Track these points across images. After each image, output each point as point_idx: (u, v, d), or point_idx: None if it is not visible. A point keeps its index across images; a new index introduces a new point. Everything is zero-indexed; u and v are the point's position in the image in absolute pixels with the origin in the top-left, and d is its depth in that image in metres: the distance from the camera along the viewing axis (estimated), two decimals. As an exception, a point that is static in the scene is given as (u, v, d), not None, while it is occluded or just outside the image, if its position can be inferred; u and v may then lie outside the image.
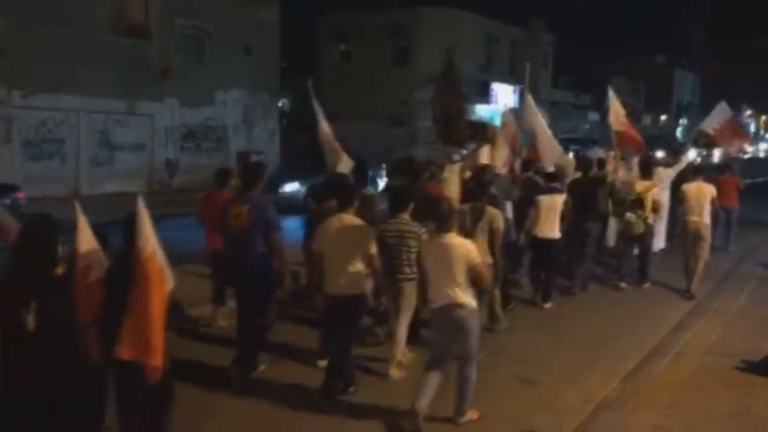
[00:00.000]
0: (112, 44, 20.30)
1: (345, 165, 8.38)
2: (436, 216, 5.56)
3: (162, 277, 4.06)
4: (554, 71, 42.55)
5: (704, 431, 5.44)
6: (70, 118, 19.33)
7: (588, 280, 10.06)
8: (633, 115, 52.30)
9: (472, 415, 5.57)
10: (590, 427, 5.55)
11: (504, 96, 36.83)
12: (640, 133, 11.74)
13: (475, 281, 5.41)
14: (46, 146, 18.68)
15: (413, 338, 6.82)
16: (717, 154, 30.48)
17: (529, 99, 10.08)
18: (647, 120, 54.12)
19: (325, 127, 9.02)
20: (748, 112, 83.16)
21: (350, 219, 5.86)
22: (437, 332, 5.69)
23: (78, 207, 4.29)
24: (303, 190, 13.89)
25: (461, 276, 5.32)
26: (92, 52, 19.44)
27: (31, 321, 3.64)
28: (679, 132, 57.50)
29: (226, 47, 24.00)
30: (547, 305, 8.98)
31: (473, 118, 9.87)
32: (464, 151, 9.70)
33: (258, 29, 25.27)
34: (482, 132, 9.18)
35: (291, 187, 16.01)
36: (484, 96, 35.59)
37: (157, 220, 4.36)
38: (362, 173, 8.55)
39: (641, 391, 6.23)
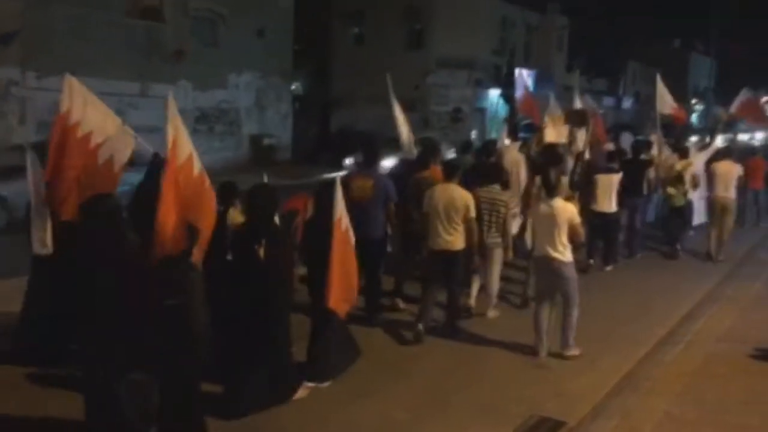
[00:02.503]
0: (126, 26, 20.29)
1: (410, 147, 9.52)
2: (546, 184, 6.79)
3: (350, 238, 5.73)
4: (569, 55, 42.15)
5: (716, 418, 5.41)
6: (84, 100, 19.39)
7: (639, 248, 11.29)
8: (648, 101, 51.77)
9: (575, 350, 6.63)
10: (602, 412, 5.54)
11: (518, 80, 36.51)
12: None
13: (572, 237, 6.54)
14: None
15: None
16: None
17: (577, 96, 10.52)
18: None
19: (399, 114, 9.91)
20: (766, 98, 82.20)
21: (455, 187, 6.99)
22: (540, 278, 6.87)
23: (339, 183, 5.82)
24: None
25: (563, 234, 6.47)
26: (106, 34, 19.44)
27: (262, 253, 5.08)
28: (694, 117, 56.87)
29: (240, 30, 23.92)
30: (609, 268, 10.22)
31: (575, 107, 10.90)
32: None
33: (271, 12, 25.17)
34: (583, 118, 11.04)
35: None
36: (498, 80, 35.33)
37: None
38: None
39: (653, 377, 6.22)
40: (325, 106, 35.16)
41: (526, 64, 37.41)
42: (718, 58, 52.65)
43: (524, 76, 11.99)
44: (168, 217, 4.36)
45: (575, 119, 11.02)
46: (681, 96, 55.82)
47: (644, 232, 11.92)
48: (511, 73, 10.78)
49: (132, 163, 6.11)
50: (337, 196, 5.73)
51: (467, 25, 32.61)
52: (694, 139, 16.73)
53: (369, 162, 7.76)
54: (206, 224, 4.79)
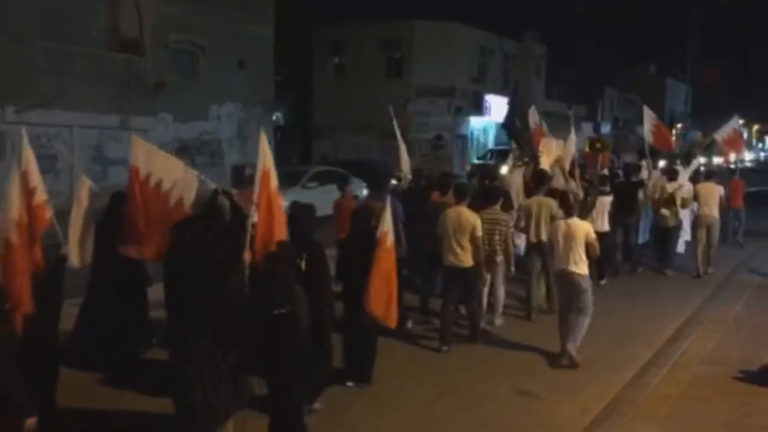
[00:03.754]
0: (105, 59, 20.26)
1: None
2: (564, 205, 7.68)
3: (393, 255, 6.14)
4: (547, 82, 42.71)
5: (703, 442, 5.42)
6: (63, 133, 19.25)
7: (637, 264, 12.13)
8: (626, 126, 52.47)
9: (578, 359, 7.21)
10: (589, 439, 5.53)
11: (497, 107, 36.92)
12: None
13: (588, 253, 7.25)
14: (39, 162, 18.36)
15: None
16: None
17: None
18: (641, 130, 54.26)
19: (401, 142, 10.89)
20: (740, 122, 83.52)
21: (463, 209, 7.74)
22: (561, 290, 7.63)
23: (388, 204, 6.26)
24: None
25: (580, 249, 7.19)
26: (86, 67, 19.39)
27: (302, 264, 5.62)
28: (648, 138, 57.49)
29: (220, 61, 23.98)
30: (603, 282, 10.75)
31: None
32: (526, 159, 11.86)
33: (252, 43, 25.27)
34: (605, 146, 13.29)
35: None
36: (478, 108, 35.70)
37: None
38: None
39: (639, 402, 6.22)
40: (306, 135, 35.26)
41: (504, 92, 37.87)
42: (693, 84, 53.59)
43: (534, 111, 12.73)
44: (268, 237, 5.39)
45: (602, 147, 13.06)
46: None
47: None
48: (515, 108, 12.21)
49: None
50: (386, 213, 6.20)
51: (446, 53, 33.01)
52: (661, 163, 17.75)
53: (380, 186, 8.90)
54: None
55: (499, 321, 8.68)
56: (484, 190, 9.20)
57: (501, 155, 28.62)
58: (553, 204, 8.90)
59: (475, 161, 31.19)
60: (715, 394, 6.32)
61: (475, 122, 36.56)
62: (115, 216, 6.74)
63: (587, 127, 43.80)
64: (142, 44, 21.40)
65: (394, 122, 11.14)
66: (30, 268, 5.06)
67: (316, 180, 18.13)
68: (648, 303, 9.95)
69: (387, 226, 6.12)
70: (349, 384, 6.45)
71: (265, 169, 5.56)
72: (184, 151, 23.12)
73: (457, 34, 33.84)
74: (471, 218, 7.62)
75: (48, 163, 18.71)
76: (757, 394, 6.30)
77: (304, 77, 35.21)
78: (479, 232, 7.60)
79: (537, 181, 9.63)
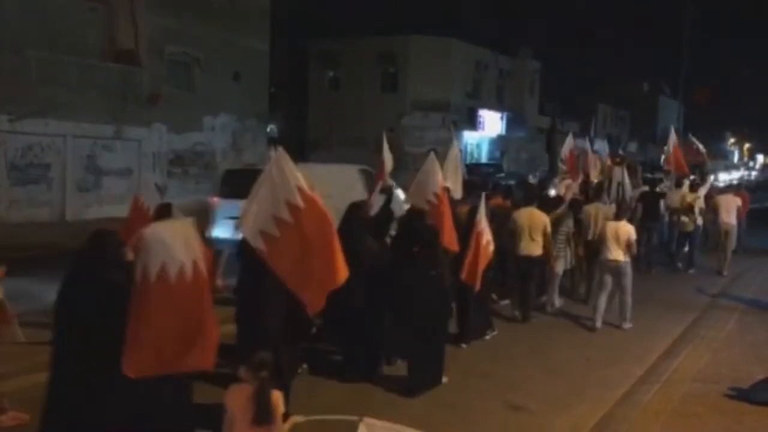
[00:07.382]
0: (101, 69, 20.26)
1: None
2: (618, 210, 10.18)
3: (485, 241, 7.77)
4: (541, 98, 42.96)
5: (695, 459, 5.41)
6: (57, 142, 19.20)
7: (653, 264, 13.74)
8: (618, 142, 52.70)
9: (629, 324, 9.29)
10: (581, 455, 5.51)
11: (491, 122, 37.12)
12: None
13: (628, 247, 9.15)
14: (32, 171, 18.51)
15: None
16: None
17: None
18: (633, 147, 54.57)
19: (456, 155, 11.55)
20: (732, 141, 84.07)
21: (534, 210, 9.51)
22: (607, 275, 9.35)
23: (483, 200, 8.20)
24: None
25: (624, 245, 9.08)
26: (81, 77, 19.39)
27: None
28: (663, 159, 57.78)
29: (215, 73, 24.03)
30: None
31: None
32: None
33: (247, 56, 25.35)
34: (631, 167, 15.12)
35: None
36: (472, 122, 35.86)
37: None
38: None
39: (631, 418, 6.21)
40: (300, 147, 35.31)
41: (498, 107, 38.07)
42: (686, 102, 53.93)
43: (571, 136, 15.37)
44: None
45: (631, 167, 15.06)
46: (650, 137, 56.66)
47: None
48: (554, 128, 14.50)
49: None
50: (481, 208, 7.81)
51: (441, 68, 33.19)
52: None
53: (467, 193, 10.22)
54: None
55: (558, 302, 10.30)
56: (546, 199, 10.92)
57: (484, 170, 28.92)
58: (608, 210, 10.78)
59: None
60: (706, 412, 6.32)
61: (469, 137, 36.72)
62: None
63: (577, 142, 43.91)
64: (137, 55, 21.42)
65: (453, 134, 12.54)
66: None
67: None
68: (638, 319, 9.93)
69: (481, 217, 7.72)
70: (463, 345, 8.01)
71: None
72: (177, 161, 23.14)
73: (452, 50, 34.04)
74: (543, 217, 9.39)
75: (40, 173, 18.71)
76: (747, 412, 6.31)
77: (299, 90, 35.30)
78: (549, 228, 9.32)
79: (595, 193, 12.00)
